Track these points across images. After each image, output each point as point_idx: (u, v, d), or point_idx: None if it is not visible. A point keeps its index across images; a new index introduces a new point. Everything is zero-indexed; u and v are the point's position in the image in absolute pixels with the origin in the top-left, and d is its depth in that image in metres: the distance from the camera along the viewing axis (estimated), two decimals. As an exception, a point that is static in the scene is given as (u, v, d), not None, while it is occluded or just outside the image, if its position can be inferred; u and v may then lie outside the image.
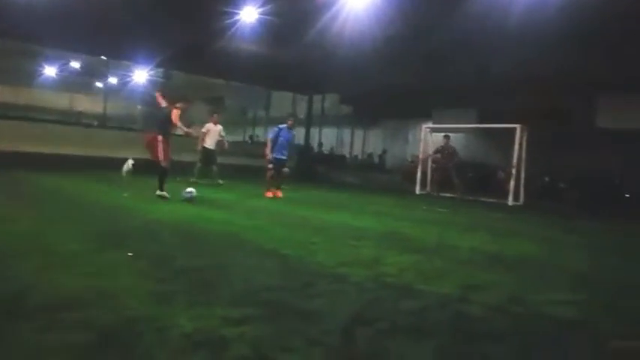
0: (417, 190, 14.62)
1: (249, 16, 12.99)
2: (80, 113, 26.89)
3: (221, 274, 3.61)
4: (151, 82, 24.99)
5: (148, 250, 4.20)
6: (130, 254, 3.96)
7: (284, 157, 10.25)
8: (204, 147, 12.08)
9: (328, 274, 3.78)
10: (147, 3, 12.55)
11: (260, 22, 13.13)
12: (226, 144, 12.47)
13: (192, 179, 11.37)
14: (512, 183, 12.67)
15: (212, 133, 12.16)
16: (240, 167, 16.67)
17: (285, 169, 10.36)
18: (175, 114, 8.29)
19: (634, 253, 6.23)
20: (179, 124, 8.27)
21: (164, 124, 8.46)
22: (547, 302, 3.41)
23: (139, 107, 26.23)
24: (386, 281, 3.70)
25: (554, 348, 2.59)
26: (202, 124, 12.62)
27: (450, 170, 13.09)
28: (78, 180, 10.69)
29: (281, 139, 10.15)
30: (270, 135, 10.33)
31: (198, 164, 12.11)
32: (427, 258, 4.69)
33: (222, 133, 12.36)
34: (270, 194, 10.18)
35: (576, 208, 12.23)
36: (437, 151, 13.92)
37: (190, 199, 8.00)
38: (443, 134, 14.38)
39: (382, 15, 11.57)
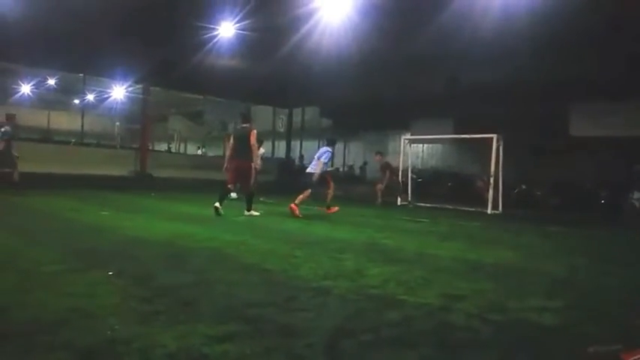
0: (398, 201, 14.73)
1: (226, 31, 13.06)
2: (52, 131, 26.52)
3: (203, 290, 3.57)
4: (130, 99, 24.84)
5: (128, 268, 4.14)
6: (110, 273, 3.90)
7: (311, 171, 9.77)
8: None
9: (311, 288, 3.78)
10: (123, 19, 12.53)
11: (238, 37, 13.21)
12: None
13: (262, 198, 11.61)
14: (490, 191, 12.80)
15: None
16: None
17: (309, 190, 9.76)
18: (254, 135, 7.99)
19: (610, 257, 6.35)
20: (255, 146, 8.01)
21: (246, 147, 8.08)
22: (527, 309, 3.45)
23: (117, 124, 25.97)
24: (369, 293, 3.71)
25: (536, 355, 2.63)
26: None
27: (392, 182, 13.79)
28: (55, 198, 10.50)
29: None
30: (324, 158, 9.67)
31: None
32: (409, 268, 4.72)
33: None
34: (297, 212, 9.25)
35: (553, 215, 12.44)
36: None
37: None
38: (375, 152, 15.21)
39: (358, 29, 11.75)
